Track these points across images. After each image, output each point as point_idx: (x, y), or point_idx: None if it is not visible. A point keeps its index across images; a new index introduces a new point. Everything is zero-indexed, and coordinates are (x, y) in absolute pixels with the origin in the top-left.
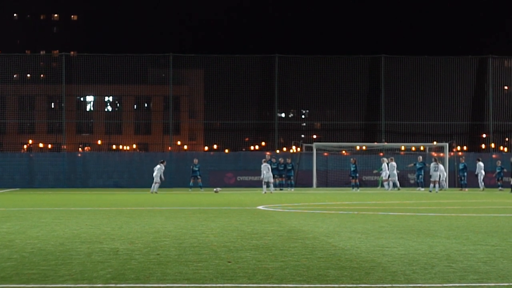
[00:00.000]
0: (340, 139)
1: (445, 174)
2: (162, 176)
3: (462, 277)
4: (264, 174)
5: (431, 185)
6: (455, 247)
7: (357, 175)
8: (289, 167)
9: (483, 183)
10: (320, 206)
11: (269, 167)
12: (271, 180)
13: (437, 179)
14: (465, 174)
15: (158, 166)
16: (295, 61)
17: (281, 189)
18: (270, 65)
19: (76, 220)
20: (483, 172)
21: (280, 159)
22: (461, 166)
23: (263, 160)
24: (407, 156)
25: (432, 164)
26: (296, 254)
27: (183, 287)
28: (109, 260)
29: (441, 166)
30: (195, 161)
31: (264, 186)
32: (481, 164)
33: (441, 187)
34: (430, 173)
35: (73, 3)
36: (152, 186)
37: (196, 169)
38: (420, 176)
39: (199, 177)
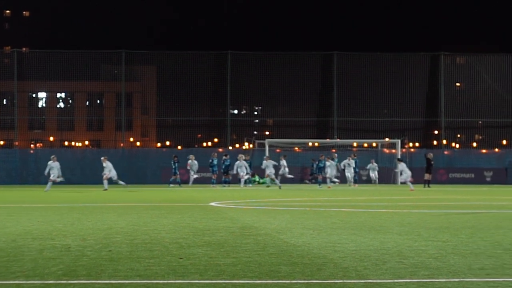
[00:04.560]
0: (293, 136)
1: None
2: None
3: (413, 273)
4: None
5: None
6: (406, 243)
7: (322, 172)
8: (227, 164)
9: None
10: (273, 202)
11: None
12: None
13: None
14: (357, 170)
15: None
16: (248, 58)
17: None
18: (223, 62)
19: (28, 217)
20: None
21: (246, 156)
22: (355, 163)
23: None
24: (359, 152)
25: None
26: (248, 250)
27: (134, 284)
28: (61, 257)
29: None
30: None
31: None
32: (403, 164)
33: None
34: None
35: None
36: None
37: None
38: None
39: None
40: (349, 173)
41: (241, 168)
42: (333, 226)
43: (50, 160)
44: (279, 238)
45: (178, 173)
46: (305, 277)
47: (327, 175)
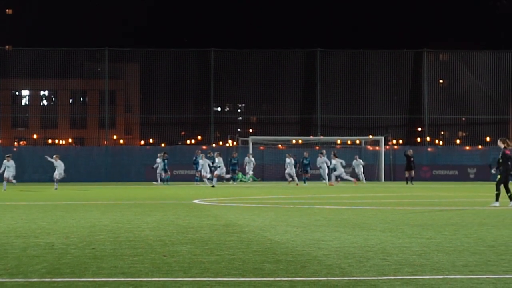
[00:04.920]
0: (276, 133)
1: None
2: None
3: (397, 270)
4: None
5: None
6: (390, 240)
7: (309, 169)
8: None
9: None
10: (256, 200)
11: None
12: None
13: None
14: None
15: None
16: (231, 55)
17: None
18: (206, 59)
19: (11, 215)
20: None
21: (209, 153)
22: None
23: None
24: (342, 149)
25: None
26: (232, 248)
27: (118, 281)
28: (45, 255)
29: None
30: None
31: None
32: (337, 160)
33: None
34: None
35: None
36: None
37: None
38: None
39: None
40: (321, 171)
41: (204, 166)
42: (317, 223)
43: (5, 159)
44: (263, 236)
45: (167, 170)
46: (289, 275)
47: (286, 172)
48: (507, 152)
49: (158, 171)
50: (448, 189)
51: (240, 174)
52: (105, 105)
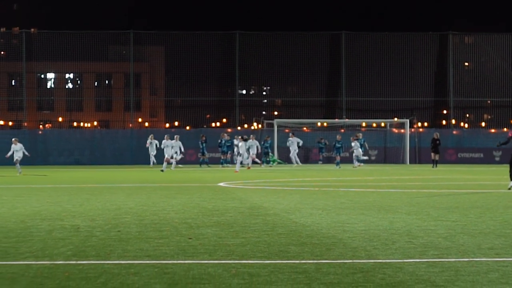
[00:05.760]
0: (301, 116)
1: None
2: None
3: (422, 253)
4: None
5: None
6: (415, 223)
7: (341, 152)
8: (228, 144)
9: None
10: (281, 182)
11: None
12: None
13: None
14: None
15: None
16: (256, 38)
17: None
18: (231, 41)
19: (37, 198)
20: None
21: (226, 136)
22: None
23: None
24: (368, 132)
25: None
26: (257, 230)
27: (144, 264)
28: (70, 237)
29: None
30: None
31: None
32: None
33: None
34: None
35: None
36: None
37: (229, 144)
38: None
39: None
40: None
41: (168, 148)
42: (342, 206)
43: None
44: (288, 218)
45: (206, 153)
46: (314, 257)
47: (253, 156)
48: (510, 134)
49: (150, 152)
50: (474, 172)
51: (273, 157)
52: (130, 88)
